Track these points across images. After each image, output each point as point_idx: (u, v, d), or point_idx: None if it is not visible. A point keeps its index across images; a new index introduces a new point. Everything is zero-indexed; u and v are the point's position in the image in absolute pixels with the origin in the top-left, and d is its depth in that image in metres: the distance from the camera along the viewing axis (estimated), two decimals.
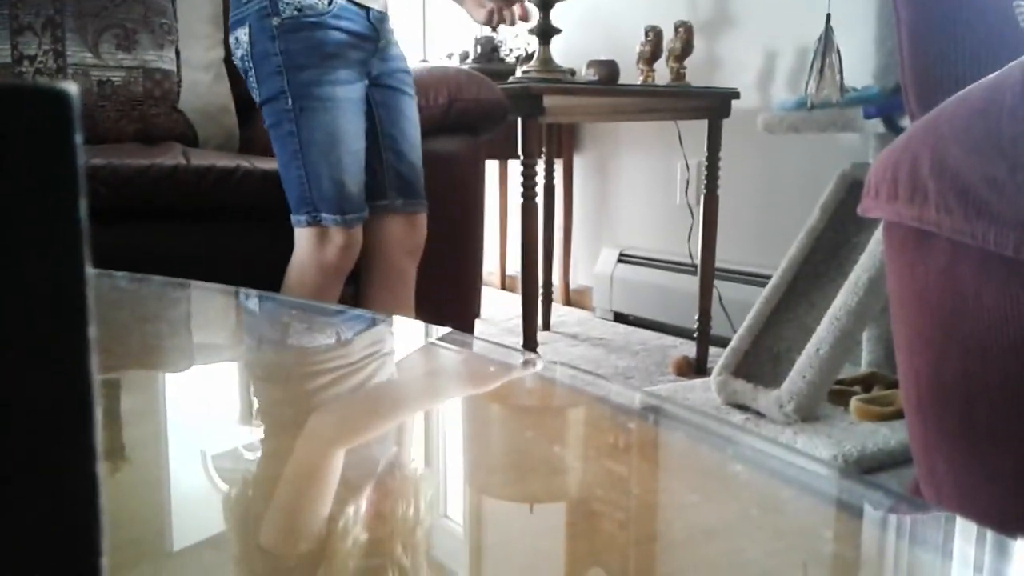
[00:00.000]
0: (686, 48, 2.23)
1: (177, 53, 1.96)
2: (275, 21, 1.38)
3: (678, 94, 2.23)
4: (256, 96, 1.44)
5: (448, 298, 1.78)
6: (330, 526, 0.27)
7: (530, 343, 2.06)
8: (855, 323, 1.75)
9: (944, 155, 0.85)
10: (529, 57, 2.52)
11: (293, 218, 1.45)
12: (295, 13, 1.39)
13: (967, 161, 0.81)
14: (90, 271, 0.14)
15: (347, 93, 1.42)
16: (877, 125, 1.82)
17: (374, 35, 1.46)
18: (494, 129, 1.85)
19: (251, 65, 1.42)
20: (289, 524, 0.28)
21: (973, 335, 0.84)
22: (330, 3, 1.40)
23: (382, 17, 1.49)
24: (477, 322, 2.89)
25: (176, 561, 0.25)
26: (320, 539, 0.26)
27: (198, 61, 1.99)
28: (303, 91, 1.39)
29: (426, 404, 0.48)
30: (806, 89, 1.93)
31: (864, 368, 2.01)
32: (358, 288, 1.60)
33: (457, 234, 1.77)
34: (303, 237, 1.46)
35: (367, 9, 1.45)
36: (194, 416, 0.43)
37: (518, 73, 2.17)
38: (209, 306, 0.74)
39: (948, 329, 0.89)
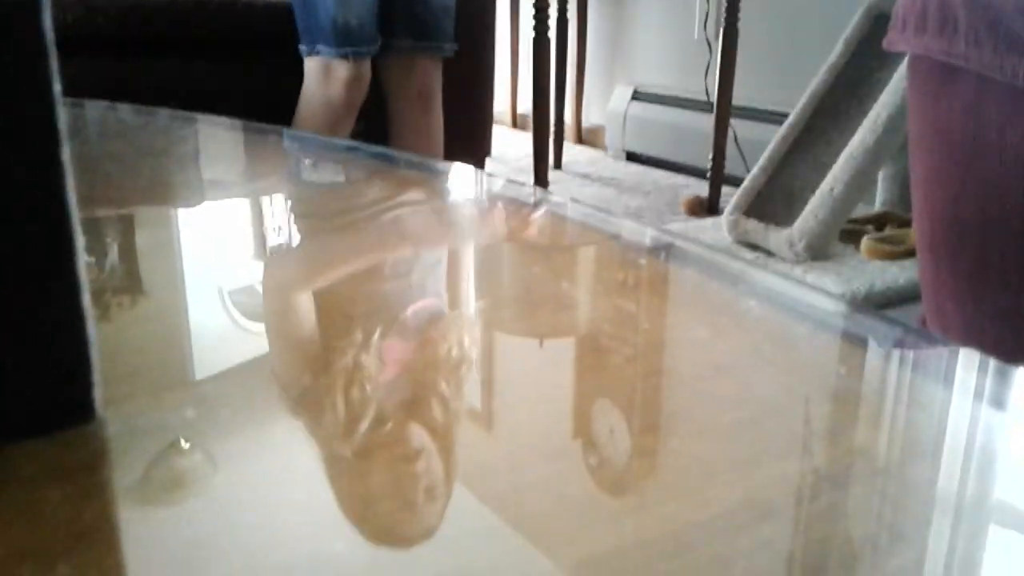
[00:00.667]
0: None
1: None
2: None
3: None
4: None
5: (459, 135, 1.75)
6: (346, 357, 0.28)
7: (541, 182, 2.04)
8: (872, 162, 1.72)
9: None
10: None
11: (300, 48, 1.42)
12: None
13: None
14: (59, 94, 0.14)
15: None
16: None
17: None
18: None
19: None
20: (303, 356, 0.29)
21: (994, 173, 0.82)
22: None
23: None
24: (488, 160, 2.86)
25: (180, 392, 0.25)
26: (339, 370, 0.27)
27: None
28: None
29: (433, 242, 0.48)
30: None
31: (878, 207, 1.99)
32: (368, 125, 1.58)
33: (466, 69, 1.72)
34: (308, 70, 1.43)
35: None
36: (208, 252, 0.43)
37: None
38: (217, 140, 0.73)
39: (969, 167, 0.87)
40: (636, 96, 2.76)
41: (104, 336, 0.21)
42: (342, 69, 1.41)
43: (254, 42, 1.54)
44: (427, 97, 1.56)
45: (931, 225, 0.99)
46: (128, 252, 0.42)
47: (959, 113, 0.92)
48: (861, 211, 1.91)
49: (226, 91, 1.52)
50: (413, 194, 0.58)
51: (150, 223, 0.48)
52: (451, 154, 1.62)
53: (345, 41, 1.39)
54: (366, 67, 1.44)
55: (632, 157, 2.83)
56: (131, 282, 0.37)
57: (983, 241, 0.85)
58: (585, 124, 3.01)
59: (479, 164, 1.87)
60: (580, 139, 3.03)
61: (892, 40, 1.08)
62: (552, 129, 2.70)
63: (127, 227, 0.46)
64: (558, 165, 2.75)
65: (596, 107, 2.98)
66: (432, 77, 1.55)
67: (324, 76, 1.42)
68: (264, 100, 1.53)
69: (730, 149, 2.32)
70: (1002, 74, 0.78)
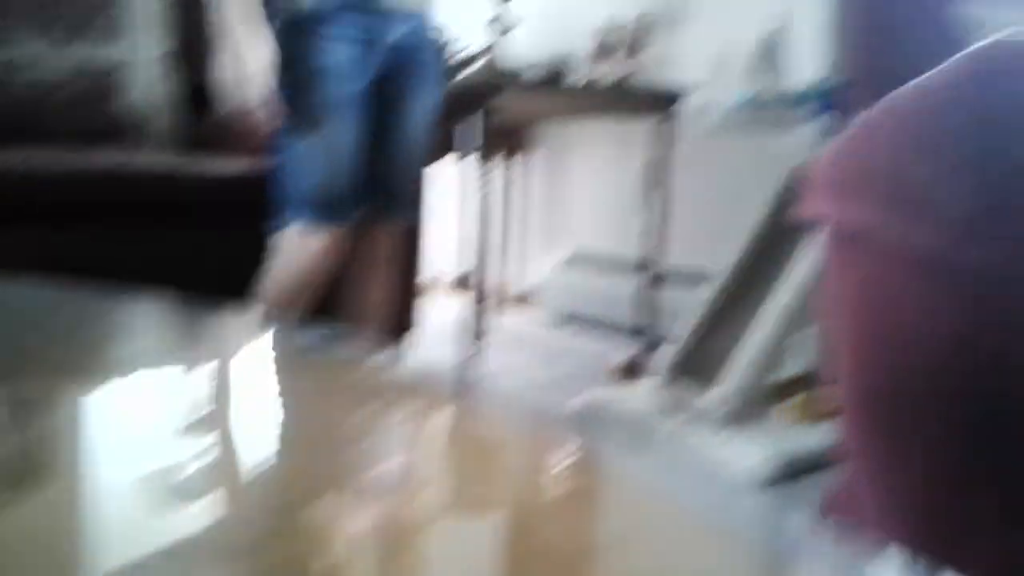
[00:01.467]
0: (638, 45, 2.22)
1: (123, 44, 1.90)
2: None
3: (630, 92, 2.22)
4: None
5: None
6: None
7: (477, 347, 2.03)
8: (794, 323, 1.76)
9: (877, 155, 0.85)
10: (481, 55, 2.50)
11: (275, 218, 1.41)
12: (288, 17, 1.36)
13: (899, 160, 0.80)
14: None
15: (338, 94, 1.38)
16: (826, 123, 1.83)
17: (374, 35, 1.41)
18: (440, 127, 1.83)
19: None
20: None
21: (901, 336, 0.83)
22: (324, 4, 1.36)
23: (389, 16, 1.43)
24: (419, 329, 2.86)
25: None
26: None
27: (146, 52, 1.92)
28: (292, 90, 1.36)
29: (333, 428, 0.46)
30: (756, 86, 1.93)
31: (803, 368, 2.02)
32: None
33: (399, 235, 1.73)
34: (286, 239, 1.42)
35: (371, 8, 1.41)
36: (116, 433, 0.40)
37: (470, 71, 2.15)
38: (128, 316, 0.71)
39: (877, 331, 0.89)
40: (573, 259, 2.82)
41: None
42: (318, 239, 1.39)
43: (199, 212, 1.54)
44: (381, 260, 1.56)
45: (847, 387, 1.00)
46: (29, 437, 0.38)
47: (871, 277, 0.94)
48: (787, 372, 1.93)
49: (168, 263, 1.51)
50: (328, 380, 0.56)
51: (58, 405, 0.45)
52: (377, 322, 1.60)
53: (327, 210, 1.39)
54: (341, 237, 1.43)
55: (568, 320, 2.85)
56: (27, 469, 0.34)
57: (895, 404, 0.85)
58: (521, 287, 3.05)
59: (405, 333, 1.86)
60: (517, 303, 3.06)
61: (807, 206, 1.12)
62: (487, 293, 2.73)
63: (29, 410, 0.43)
64: (493, 331, 2.76)
65: (533, 270, 3.03)
66: (391, 243, 1.56)
67: (302, 245, 1.40)
68: (211, 272, 1.51)
69: (664, 311, 2.36)
70: (910, 240, 0.81)
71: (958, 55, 0.74)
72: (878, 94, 1.01)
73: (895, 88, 0.90)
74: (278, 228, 1.41)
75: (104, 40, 1.86)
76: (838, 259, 1.06)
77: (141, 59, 1.90)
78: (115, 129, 1.86)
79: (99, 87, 1.84)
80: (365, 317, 1.57)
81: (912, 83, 0.81)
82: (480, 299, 2.03)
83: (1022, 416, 0.68)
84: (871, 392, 0.93)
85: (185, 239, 1.53)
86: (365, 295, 1.56)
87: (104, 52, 1.85)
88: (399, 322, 1.75)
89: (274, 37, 1.37)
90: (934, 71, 0.77)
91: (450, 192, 3.21)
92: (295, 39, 1.36)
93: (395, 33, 1.44)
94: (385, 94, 1.46)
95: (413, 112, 1.51)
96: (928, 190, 0.75)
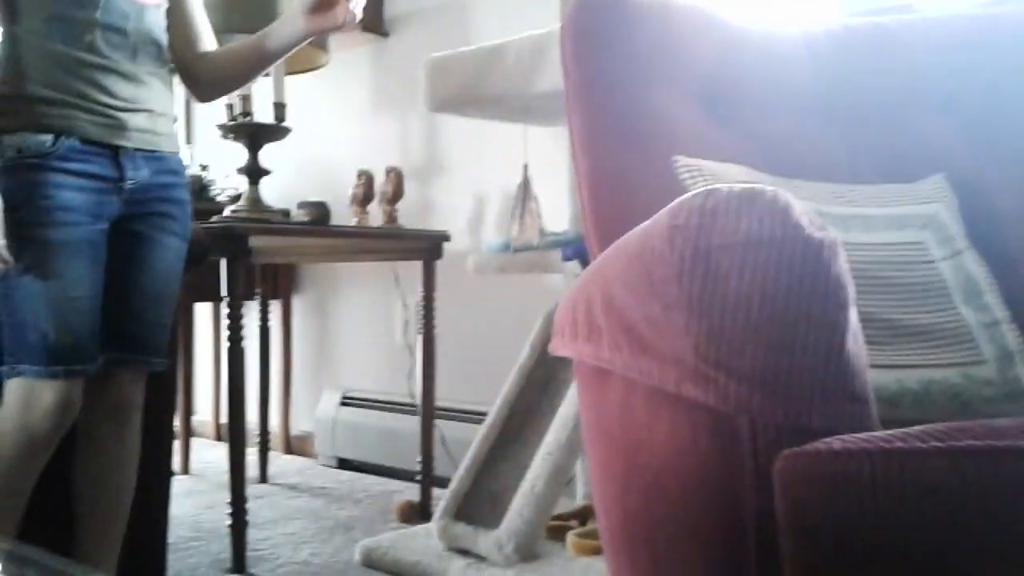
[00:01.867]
0: (397, 192, 2.27)
1: None
2: None
3: (391, 236, 2.25)
4: None
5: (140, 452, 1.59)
6: None
7: (239, 500, 1.89)
8: (567, 457, 1.79)
9: (612, 297, 0.89)
10: (239, 197, 2.45)
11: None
12: (15, 155, 1.27)
13: (630, 302, 0.84)
14: None
15: (68, 236, 1.28)
16: (575, 267, 1.93)
17: (115, 176, 1.34)
18: (191, 270, 1.74)
19: None
20: None
21: (650, 469, 0.86)
22: (55, 143, 1.28)
23: (134, 156, 1.36)
24: (185, 479, 2.65)
25: None
26: None
27: None
28: (18, 232, 1.24)
29: None
30: (510, 233, 2.02)
31: (580, 500, 2.04)
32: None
33: (150, 382, 1.61)
34: (8, 393, 1.27)
35: (114, 147, 1.33)
36: None
37: (226, 213, 2.09)
38: None
39: (630, 464, 0.91)
40: (345, 401, 2.75)
41: None
42: (50, 392, 1.25)
43: None
44: (126, 410, 1.43)
45: (607, 521, 1.01)
46: None
47: (615, 412, 0.97)
48: (565, 506, 1.94)
49: None
50: None
51: None
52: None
53: (57, 359, 1.26)
54: (78, 388, 1.29)
55: (344, 464, 2.75)
56: None
57: (651, 537, 0.87)
58: (293, 432, 2.92)
59: (163, 484, 1.70)
60: (289, 448, 2.92)
61: (554, 345, 1.15)
62: (257, 440, 2.58)
63: None
64: (264, 478, 2.60)
65: (304, 414, 2.92)
66: (134, 390, 1.44)
67: (27, 401, 1.25)
68: None
69: (439, 450, 2.33)
70: (641, 375, 0.85)
71: (677, 201, 0.80)
72: (610, 240, 1.07)
73: (624, 233, 0.96)
74: (6, 377, 1.28)
75: None
76: (588, 393, 1.09)
77: None
78: None
79: None
80: (115, 467, 1.43)
81: (635, 229, 0.87)
82: (240, 449, 1.90)
83: (761, 544, 0.71)
84: (630, 524, 0.94)
85: None
86: (109, 444, 1.43)
87: None
88: (156, 474, 1.60)
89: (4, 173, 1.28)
90: (656, 216, 0.83)
91: (212, 335, 3.07)
92: (23, 178, 1.27)
93: (139, 174, 1.38)
94: (128, 236, 1.38)
95: (159, 254, 1.43)
96: (652, 329, 0.79)
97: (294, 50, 1.48)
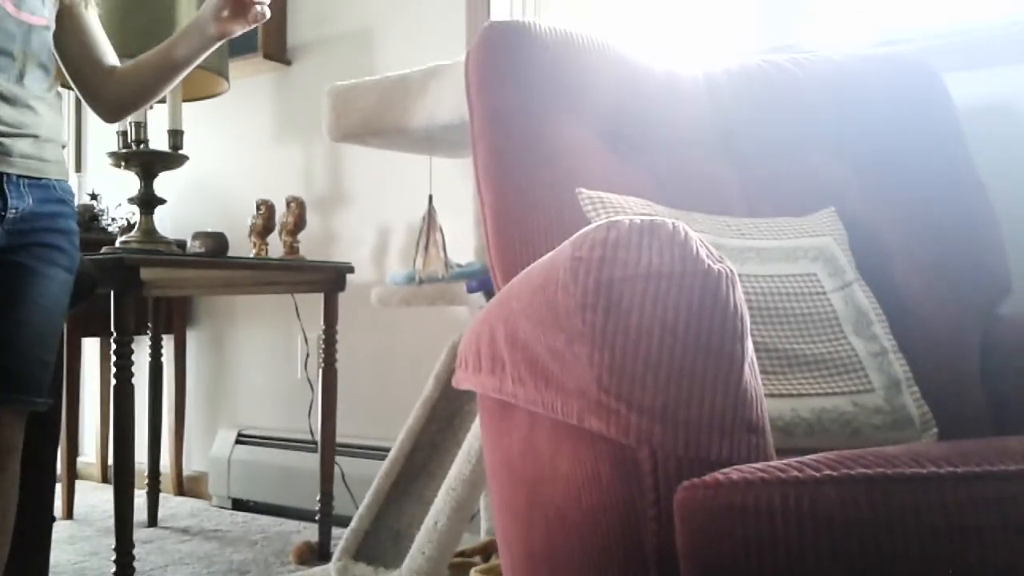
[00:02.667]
0: (299, 222, 2.23)
1: None
2: None
3: (292, 267, 2.19)
4: None
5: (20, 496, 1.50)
6: None
7: (125, 545, 1.79)
8: (470, 492, 1.76)
9: (515, 329, 0.88)
10: (131, 227, 2.36)
11: None
12: None
13: (533, 334, 0.84)
14: None
15: None
16: (480, 299, 1.92)
17: None
18: (78, 304, 1.66)
19: None
20: None
21: (553, 503, 0.85)
22: None
23: (18, 183, 1.29)
24: (68, 523, 2.50)
25: None
26: None
27: None
28: None
29: None
30: (414, 264, 2.00)
31: (483, 536, 2.02)
32: None
33: (31, 422, 1.52)
34: None
35: None
36: None
37: (117, 243, 2.00)
38: None
39: (533, 498, 0.90)
40: (241, 439, 2.65)
41: None
42: None
43: None
44: (4, 453, 1.34)
45: (510, 557, 0.99)
46: None
47: (518, 445, 0.96)
48: (468, 542, 1.91)
49: None
50: None
51: None
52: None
53: None
54: None
55: (239, 505, 2.64)
56: None
57: (555, 571, 0.86)
58: (186, 472, 2.80)
59: (44, 530, 1.60)
60: (180, 490, 2.79)
61: (458, 378, 1.14)
62: (147, 481, 2.46)
63: None
64: (153, 521, 2.48)
65: (198, 453, 2.81)
66: (13, 431, 1.34)
67: None
68: None
69: (340, 488, 2.27)
70: (544, 408, 0.84)
71: (580, 233, 0.80)
72: (514, 271, 1.07)
73: (528, 265, 0.96)
74: None
75: None
76: (491, 426, 1.08)
77: None
78: None
79: None
80: None
81: (538, 260, 0.87)
82: (127, 491, 1.81)
83: None
84: (533, 559, 0.93)
85: None
86: None
87: None
88: (36, 518, 1.50)
89: None
90: (559, 248, 0.83)
91: (100, 372, 2.92)
92: None
93: (23, 202, 1.31)
94: (9, 268, 1.31)
95: (43, 288, 1.35)
96: (556, 361, 0.79)
97: (203, 57, 1.44)
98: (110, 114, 1.51)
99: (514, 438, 0.95)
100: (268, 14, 1.37)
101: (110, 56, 1.47)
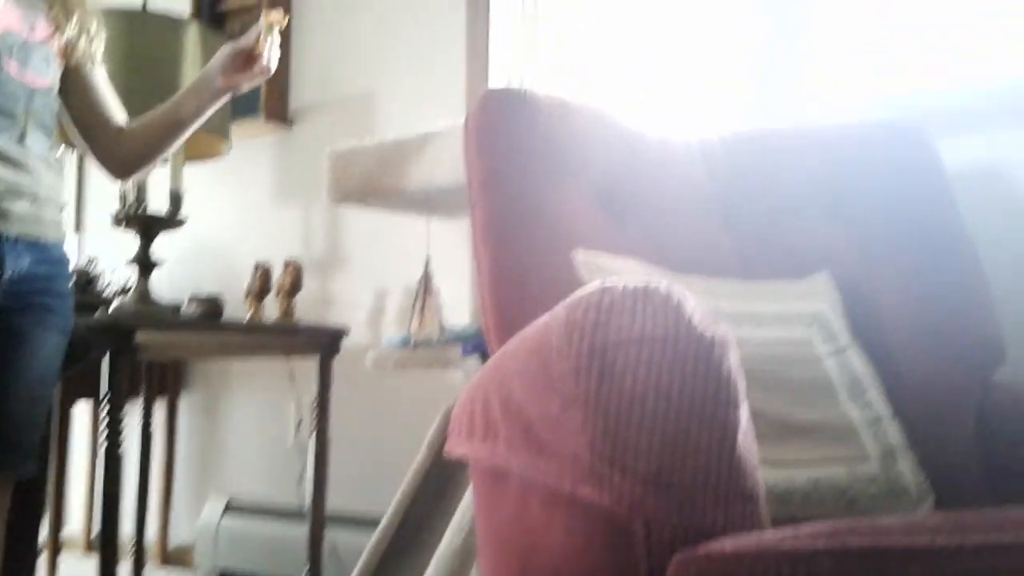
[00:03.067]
0: (295, 285, 2.22)
1: None
2: None
3: (287, 331, 2.18)
4: None
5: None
6: None
7: None
8: (463, 563, 1.72)
9: (509, 393, 0.87)
10: (127, 290, 2.36)
11: None
12: None
13: (527, 399, 0.83)
14: None
15: None
16: (476, 362, 1.91)
17: None
18: (71, 367, 1.64)
19: None
20: None
21: (546, 571, 0.83)
22: None
23: (15, 244, 1.29)
24: None
25: None
26: None
27: None
28: None
29: None
30: (410, 327, 1.99)
31: None
32: None
33: (17, 488, 1.50)
34: None
35: None
36: None
37: (113, 306, 2.00)
38: None
39: (524, 567, 0.88)
40: (229, 508, 2.60)
41: None
42: None
43: None
44: None
45: None
46: None
47: (511, 512, 0.95)
48: None
49: None
50: None
51: None
52: None
53: None
54: None
55: (226, 575, 2.59)
56: None
57: None
58: (172, 543, 2.74)
59: None
60: (165, 559, 2.73)
61: (450, 445, 1.12)
62: (131, 552, 2.41)
63: None
64: None
65: (186, 523, 2.75)
66: (3, 501, 1.32)
67: None
68: None
69: (330, 559, 2.22)
70: (538, 475, 0.83)
71: (575, 296, 0.79)
72: (510, 334, 1.06)
73: (523, 328, 0.95)
74: None
75: None
76: (483, 494, 1.06)
77: None
78: None
79: None
80: None
81: (532, 324, 0.86)
82: (121, 558, 1.77)
83: None
84: None
85: None
86: None
87: None
88: None
89: None
90: (554, 311, 0.83)
91: (91, 437, 2.89)
92: None
93: (19, 263, 1.31)
94: (2, 331, 1.30)
95: (36, 351, 1.34)
96: (549, 427, 0.78)
97: (211, 112, 1.47)
98: (120, 172, 1.52)
99: (506, 507, 0.94)
100: (273, 69, 1.42)
101: (118, 114, 1.49)
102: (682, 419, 0.69)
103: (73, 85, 1.42)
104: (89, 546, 2.94)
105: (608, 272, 1.15)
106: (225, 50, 1.41)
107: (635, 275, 1.16)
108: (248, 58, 1.40)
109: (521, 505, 0.90)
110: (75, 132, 1.47)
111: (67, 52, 1.38)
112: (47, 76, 1.35)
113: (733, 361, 0.73)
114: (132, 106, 1.56)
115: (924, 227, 1.37)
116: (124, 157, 1.49)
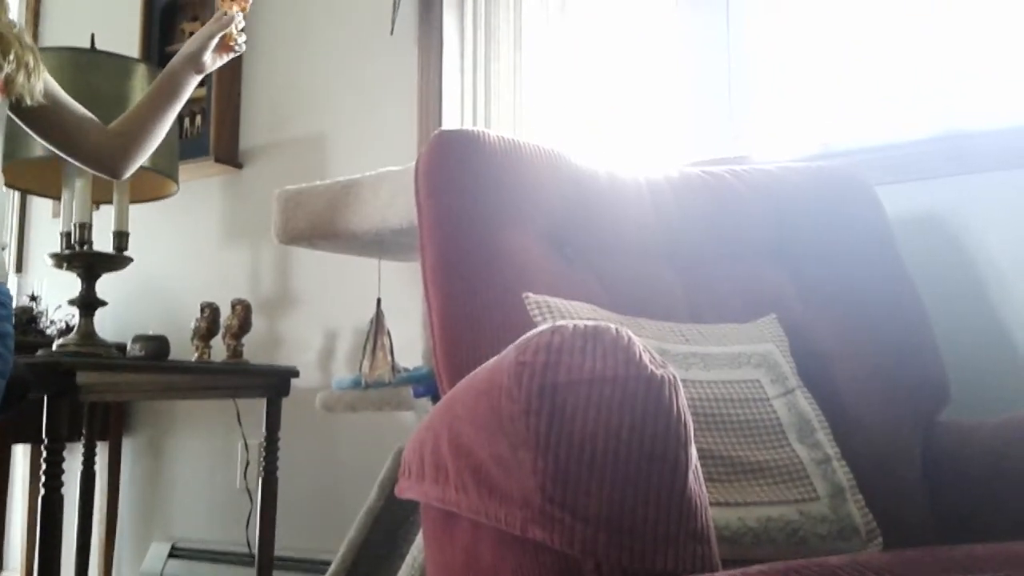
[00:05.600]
0: (243, 325, 2.19)
1: None
2: None
3: (236, 372, 2.15)
4: None
5: None
6: None
7: None
8: None
9: (459, 434, 0.87)
10: (70, 329, 2.31)
11: None
12: None
13: (477, 440, 0.82)
14: None
15: None
16: (427, 404, 1.89)
17: None
18: (10, 409, 1.59)
19: None
20: None
21: None
22: None
23: None
24: None
25: None
26: None
27: None
28: None
29: None
30: (360, 368, 1.97)
31: None
32: None
33: None
34: None
35: None
36: None
37: (55, 346, 1.95)
38: None
39: None
40: (174, 553, 2.53)
41: None
42: None
43: None
44: None
45: None
46: None
47: (461, 556, 0.93)
48: None
49: None
50: None
51: None
52: None
53: None
54: None
55: None
56: None
57: None
58: None
59: None
60: None
61: (401, 487, 1.11)
62: None
63: None
64: None
65: (128, 568, 2.67)
66: None
67: None
68: None
69: None
70: (488, 518, 0.82)
71: (524, 337, 0.79)
72: (460, 375, 1.06)
73: (473, 369, 0.95)
74: None
75: None
76: (434, 537, 1.05)
77: None
78: None
79: None
80: None
81: (483, 366, 0.86)
82: None
83: None
84: None
85: None
86: None
87: None
88: None
89: None
90: (504, 352, 0.82)
91: (30, 480, 2.79)
92: None
93: None
94: None
95: None
96: (499, 469, 0.77)
97: (190, 93, 1.56)
98: (115, 168, 1.55)
99: (457, 549, 0.92)
100: (244, 47, 1.57)
101: (89, 115, 1.51)
102: (632, 459, 0.69)
103: (30, 115, 1.42)
104: None
105: (559, 313, 1.15)
106: (204, 34, 1.52)
107: (586, 317, 1.16)
108: (223, 42, 1.53)
109: (471, 548, 0.89)
110: (60, 151, 1.51)
111: (5, 88, 1.37)
112: None
113: (682, 401, 0.73)
114: None
115: (867, 271, 1.41)
116: (114, 152, 1.53)
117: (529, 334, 0.80)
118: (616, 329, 0.76)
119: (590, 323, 0.77)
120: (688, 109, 2.01)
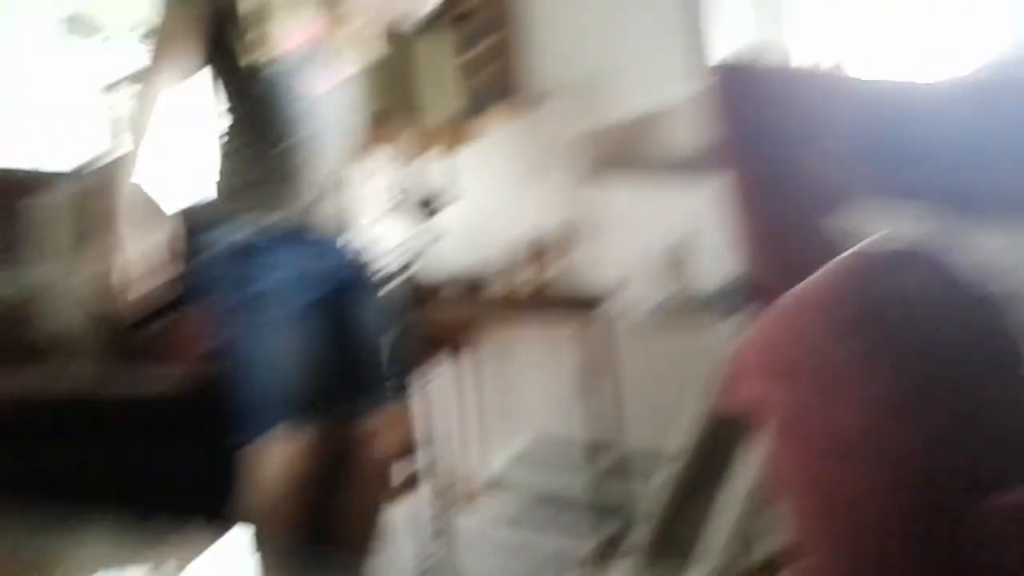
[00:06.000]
0: (563, 253, 2.32)
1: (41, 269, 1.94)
2: None
3: (558, 297, 2.26)
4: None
5: None
6: None
7: (435, 547, 1.92)
8: (755, 507, 1.71)
9: (801, 341, 0.89)
10: (403, 271, 2.49)
11: (242, 429, 1.38)
12: None
13: (821, 346, 0.84)
14: None
15: (285, 301, 1.41)
16: (737, 320, 1.91)
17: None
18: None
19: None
20: None
21: (850, 518, 0.84)
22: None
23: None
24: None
25: None
26: None
27: (65, 277, 1.96)
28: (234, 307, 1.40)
29: None
30: (671, 289, 2.03)
31: (771, 551, 1.94)
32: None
33: None
34: (253, 448, 1.37)
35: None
36: None
37: (390, 287, 2.16)
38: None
39: (827, 511, 0.89)
40: (533, 446, 2.76)
41: None
42: (300, 440, 1.35)
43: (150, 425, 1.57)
44: (386, 465, 1.54)
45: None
46: None
47: (807, 461, 0.95)
48: (758, 556, 1.85)
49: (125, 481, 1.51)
50: None
51: None
52: None
53: (299, 412, 1.36)
54: (318, 437, 1.39)
55: (533, 508, 2.71)
56: None
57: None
58: (481, 479, 2.93)
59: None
60: (477, 494, 2.86)
61: (742, 391, 1.15)
62: (448, 487, 2.54)
63: None
64: (455, 524, 2.59)
65: (492, 460, 2.94)
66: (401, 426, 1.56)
67: (281, 451, 1.35)
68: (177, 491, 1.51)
69: (629, 492, 2.31)
70: (834, 421, 0.84)
71: (846, 253, 0.83)
72: (777, 293, 1.10)
73: (792, 286, 0.98)
74: (249, 439, 1.37)
75: (21, 267, 1.92)
76: (777, 442, 1.10)
77: (61, 283, 1.94)
78: (38, 351, 1.87)
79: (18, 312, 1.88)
80: (352, 523, 1.53)
81: (810, 279, 0.90)
82: (438, 494, 1.93)
83: None
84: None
85: (144, 456, 1.54)
86: (366, 509, 1.53)
87: (20, 279, 1.91)
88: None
89: (212, 265, 1.43)
90: (832, 265, 0.86)
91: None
92: (234, 266, 1.42)
93: (329, 258, 1.53)
94: (333, 306, 1.51)
95: (365, 315, 1.56)
96: (847, 372, 0.81)
97: None
98: None
99: (799, 452, 0.96)
100: None
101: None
102: (967, 376, 0.71)
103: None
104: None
105: (873, 231, 1.15)
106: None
107: (905, 228, 1.15)
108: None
109: (816, 448, 0.93)
110: None
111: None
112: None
113: (1007, 320, 0.73)
114: None
115: None
116: None
117: (842, 257, 0.83)
118: (932, 248, 0.77)
119: (903, 244, 0.79)
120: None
